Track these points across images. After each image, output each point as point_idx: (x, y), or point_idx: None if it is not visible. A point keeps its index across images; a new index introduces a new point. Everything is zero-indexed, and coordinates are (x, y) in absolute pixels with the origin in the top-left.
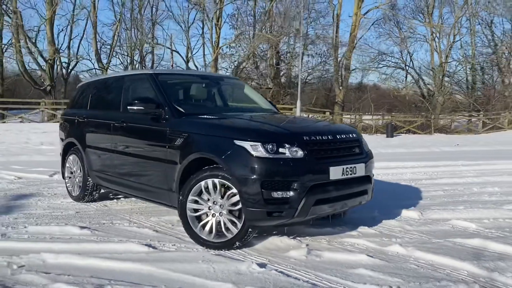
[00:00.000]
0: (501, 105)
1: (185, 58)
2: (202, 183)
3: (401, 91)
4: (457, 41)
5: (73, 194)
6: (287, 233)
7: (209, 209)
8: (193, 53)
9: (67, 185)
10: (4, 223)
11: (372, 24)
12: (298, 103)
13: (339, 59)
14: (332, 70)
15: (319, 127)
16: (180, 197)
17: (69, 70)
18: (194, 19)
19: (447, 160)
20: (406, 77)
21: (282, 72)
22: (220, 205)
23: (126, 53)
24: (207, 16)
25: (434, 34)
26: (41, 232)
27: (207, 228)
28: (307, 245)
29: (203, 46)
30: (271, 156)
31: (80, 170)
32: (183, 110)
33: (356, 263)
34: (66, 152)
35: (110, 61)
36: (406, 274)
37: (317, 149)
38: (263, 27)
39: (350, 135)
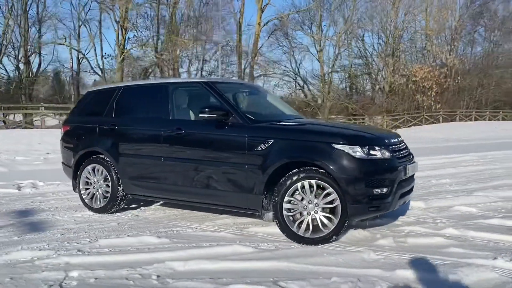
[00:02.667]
0: (377, 110)
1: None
2: (299, 184)
3: (289, 96)
4: (339, 53)
5: (94, 206)
6: (355, 227)
7: (304, 208)
8: (87, 53)
9: (84, 197)
10: (57, 239)
11: (271, 34)
12: None
13: (242, 66)
14: (229, 75)
15: (386, 132)
16: (275, 199)
17: None
18: (85, 19)
19: None
20: (295, 84)
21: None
22: (315, 204)
23: (12, 53)
24: (114, 16)
25: (321, 46)
26: (118, 245)
27: (303, 226)
28: (380, 235)
29: (101, 47)
30: (369, 158)
31: (105, 180)
32: (253, 117)
33: (439, 244)
34: (80, 162)
35: (1, 60)
36: (485, 248)
37: (395, 150)
38: (169, 31)
39: (401, 139)
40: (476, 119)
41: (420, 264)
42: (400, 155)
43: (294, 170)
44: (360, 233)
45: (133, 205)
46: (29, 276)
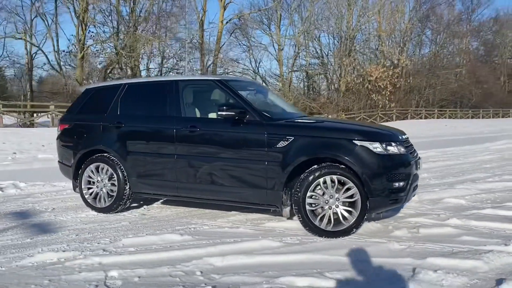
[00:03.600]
0: (335, 109)
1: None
2: (321, 179)
3: None
4: (298, 53)
5: (98, 206)
6: (367, 219)
7: (325, 202)
8: (42, 46)
9: (86, 197)
10: (75, 240)
11: (232, 32)
12: None
13: (205, 63)
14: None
15: (395, 129)
16: (298, 194)
17: None
18: (38, 12)
19: None
20: None
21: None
22: (336, 198)
23: None
24: (74, 11)
25: (280, 46)
26: (142, 244)
27: (325, 220)
28: (391, 227)
29: (57, 41)
30: (388, 153)
31: (110, 179)
32: (269, 115)
33: (450, 233)
34: (81, 161)
35: None
36: (492, 236)
37: (407, 146)
38: (129, 27)
39: (408, 136)
40: (426, 117)
41: (445, 252)
42: (411, 151)
43: (315, 166)
44: (373, 225)
45: (134, 204)
46: (67, 277)
